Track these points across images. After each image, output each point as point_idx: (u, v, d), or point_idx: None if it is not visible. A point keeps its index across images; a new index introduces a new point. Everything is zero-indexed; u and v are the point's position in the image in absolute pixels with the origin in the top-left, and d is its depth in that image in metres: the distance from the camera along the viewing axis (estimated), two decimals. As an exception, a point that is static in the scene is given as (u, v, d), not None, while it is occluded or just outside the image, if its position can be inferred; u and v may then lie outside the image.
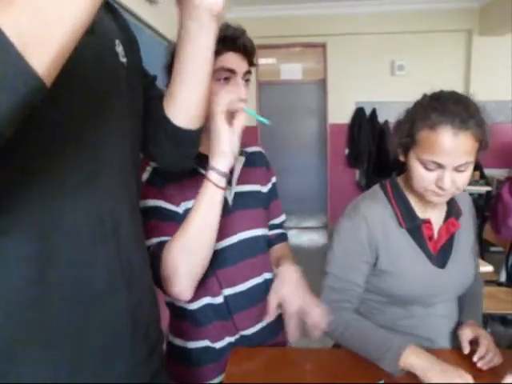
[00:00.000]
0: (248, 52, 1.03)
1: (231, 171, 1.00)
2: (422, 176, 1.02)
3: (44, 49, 0.42)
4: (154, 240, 0.96)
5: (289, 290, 0.98)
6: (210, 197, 0.89)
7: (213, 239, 0.92)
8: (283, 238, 1.29)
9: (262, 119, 0.92)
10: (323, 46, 5.43)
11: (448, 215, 1.14)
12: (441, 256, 1.13)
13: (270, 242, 1.24)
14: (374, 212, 1.13)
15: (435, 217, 1.14)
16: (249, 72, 1.04)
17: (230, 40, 0.98)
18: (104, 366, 0.65)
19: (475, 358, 0.99)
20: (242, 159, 1.10)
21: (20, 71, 0.40)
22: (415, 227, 1.12)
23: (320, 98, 5.70)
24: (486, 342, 1.02)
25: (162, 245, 0.93)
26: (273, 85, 5.77)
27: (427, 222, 1.11)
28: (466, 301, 1.21)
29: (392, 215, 1.12)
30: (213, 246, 0.93)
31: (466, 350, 1.03)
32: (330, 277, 1.16)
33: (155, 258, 0.92)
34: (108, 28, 0.71)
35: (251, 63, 1.05)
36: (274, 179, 1.27)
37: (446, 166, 0.97)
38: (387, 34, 5.16)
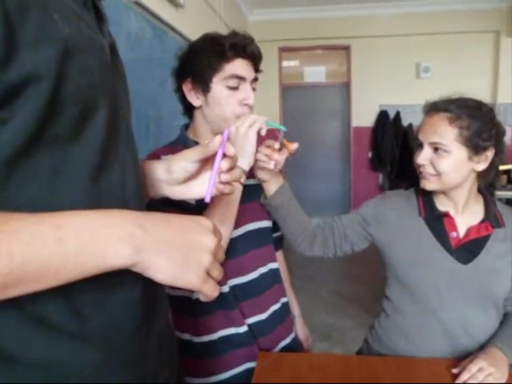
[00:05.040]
0: (256, 59, 1.08)
1: None
2: (415, 157, 1.16)
3: None
4: None
5: (306, 340, 1.42)
6: None
7: (231, 230, 0.98)
8: (280, 244, 1.37)
9: (278, 126, 1.05)
10: (347, 48, 5.41)
11: (484, 220, 1.16)
12: (464, 252, 1.14)
13: None
14: (394, 196, 1.29)
15: (467, 217, 1.17)
16: (256, 79, 1.09)
17: (241, 47, 1.02)
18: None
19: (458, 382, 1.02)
20: None
21: None
22: (435, 220, 1.18)
23: (343, 100, 5.68)
24: (474, 369, 1.01)
25: None
26: (296, 88, 5.78)
27: (447, 215, 1.16)
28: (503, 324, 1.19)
29: (415, 206, 1.23)
30: (230, 236, 0.98)
31: (454, 370, 1.06)
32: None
33: None
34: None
35: (257, 70, 1.10)
36: None
37: (422, 142, 1.12)
38: (412, 36, 5.10)
